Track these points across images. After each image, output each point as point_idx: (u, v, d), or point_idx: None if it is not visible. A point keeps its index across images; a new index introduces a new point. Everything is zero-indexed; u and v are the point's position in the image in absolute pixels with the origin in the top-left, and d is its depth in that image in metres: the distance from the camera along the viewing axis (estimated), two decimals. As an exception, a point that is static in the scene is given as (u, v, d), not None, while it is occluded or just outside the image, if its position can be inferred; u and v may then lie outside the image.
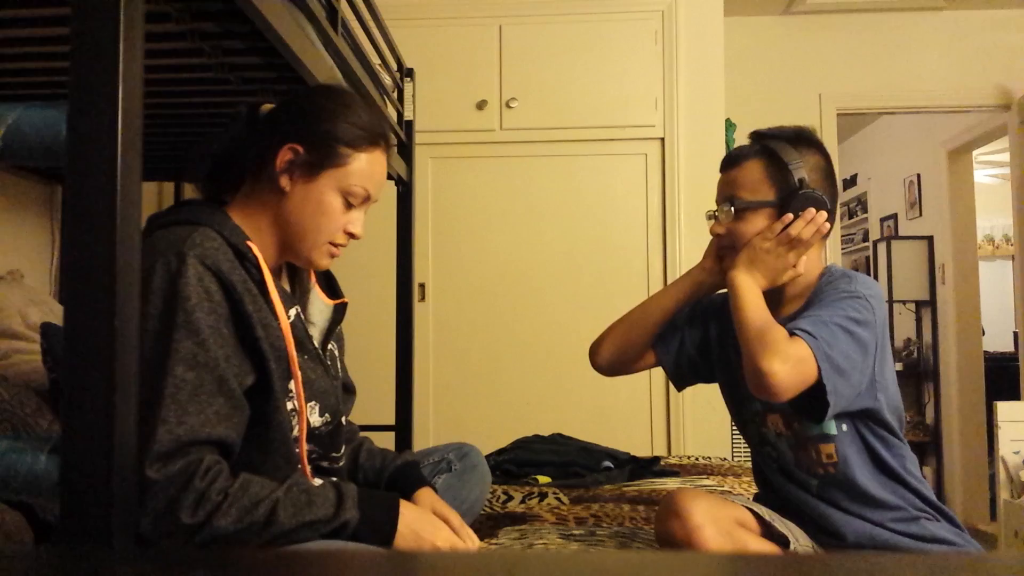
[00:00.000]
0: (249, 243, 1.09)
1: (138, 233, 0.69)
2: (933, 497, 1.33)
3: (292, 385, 1.11)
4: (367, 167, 1.15)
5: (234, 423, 1.02)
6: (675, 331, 1.51)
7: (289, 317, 1.13)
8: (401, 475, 1.35)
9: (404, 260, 2.41)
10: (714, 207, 1.40)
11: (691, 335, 1.51)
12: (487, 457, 2.22)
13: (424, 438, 2.89)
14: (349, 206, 1.16)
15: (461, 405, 3.05)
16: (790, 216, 1.30)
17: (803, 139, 1.35)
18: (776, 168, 1.32)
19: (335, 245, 1.17)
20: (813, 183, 1.31)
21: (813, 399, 1.19)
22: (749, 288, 1.29)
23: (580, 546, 1.49)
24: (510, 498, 1.91)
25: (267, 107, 1.19)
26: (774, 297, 1.34)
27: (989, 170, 6.12)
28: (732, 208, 1.34)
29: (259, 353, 1.06)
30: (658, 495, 1.92)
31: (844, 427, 1.29)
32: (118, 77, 0.66)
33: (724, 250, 1.40)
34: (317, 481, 1.10)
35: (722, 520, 1.24)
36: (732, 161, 1.38)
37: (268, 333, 1.07)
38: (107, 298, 0.65)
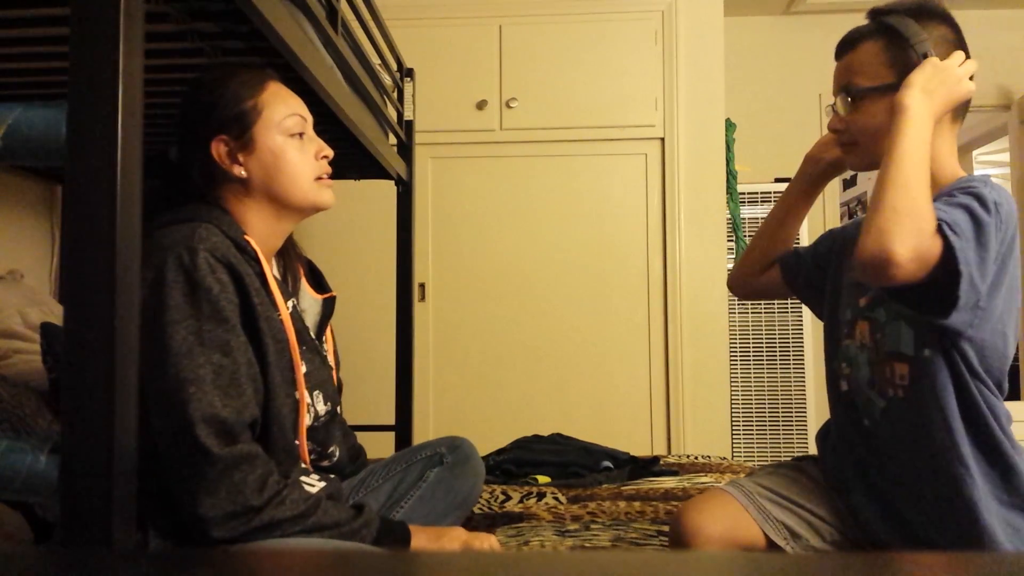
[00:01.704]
0: (247, 237, 1.12)
1: (138, 233, 0.69)
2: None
3: (296, 376, 1.12)
4: (276, 100, 1.17)
5: (259, 404, 1.06)
6: (801, 251, 1.45)
7: (288, 308, 1.15)
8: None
9: (404, 260, 2.41)
10: (834, 100, 1.26)
11: (814, 252, 1.43)
12: (486, 457, 2.23)
13: (424, 438, 2.88)
14: (299, 139, 1.18)
15: (461, 405, 3.05)
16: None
17: (926, 10, 1.20)
18: (896, 46, 1.18)
19: (321, 178, 1.20)
20: (941, 57, 1.16)
21: (931, 294, 1.06)
22: (920, 112, 1.11)
23: (575, 541, 1.49)
24: (508, 498, 1.91)
25: (173, 149, 1.21)
26: None
27: (989, 170, 6.12)
28: (848, 97, 1.22)
29: (260, 347, 1.08)
30: (655, 492, 1.92)
31: (926, 352, 1.14)
32: (118, 77, 0.66)
33: (845, 147, 1.28)
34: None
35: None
36: (847, 45, 1.25)
37: (271, 326, 1.09)
38: (107, 298, 0.65)
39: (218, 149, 1.13)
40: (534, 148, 3.10)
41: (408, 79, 2.46)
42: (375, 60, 1.98)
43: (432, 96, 2.99)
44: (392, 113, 2.26)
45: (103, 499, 0.64)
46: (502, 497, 1.92)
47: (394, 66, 2.28)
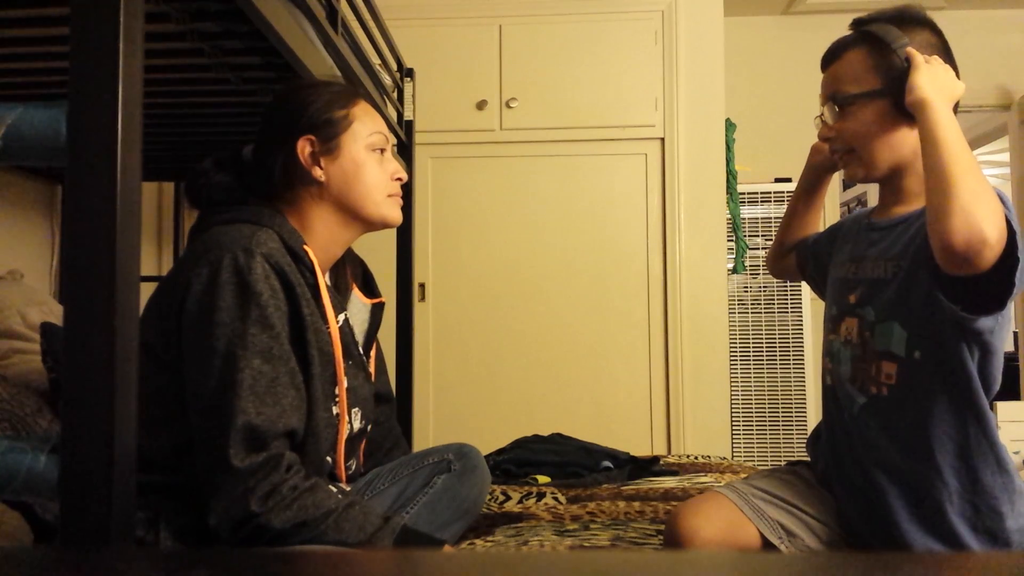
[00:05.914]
0: (306, 247, 1.13)
1: (138, 233, 0.69)
2: (1001, 504, 1.14)
3: (337, 391, 1.12)
4: (366, 116, 1.22)
5: (302, 414, 1.05)
6: (810, 241, 1.51)
7: (338, 322, 1.16)
8: None
9: (404, 260, 2.41)
10: (822, 113, 1.29)
11: (815, 246, 1.48)
12: (486, 457, 2.22)
13: (424, 438, 2.89)
14: (379, 155, 1.22)
15: (461, 405, 3.05)
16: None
17: (907, 17, 1.23)
18: (879, 52, 1.20)
19: (393, 195, 1.23)
20: None
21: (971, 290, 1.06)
22: (942, 103, 1.10)
23: (574, 541, 1.49)
24: (508, 498, 1.91)
25: (248, 148, 1.23)
26: (891, 190, 1.26)
27: (989, 170, 6.12)
28: (836, 106, 1.24)
29: (306, 358, 1.08)
30: (655, 492, 1.92)
31: (917, 354, 1.15)
32: (118, 77, 0.66)
33: (842, 158, 1.29)
34: (377, 508, 1.13)
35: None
36: (831, 55, 1.28)
37: (318, 338, 1.09)
38: (107, 298, 0.65)
39: (303, 148, 1.16)
40: (534, 148, 3.10)
41: (408, 79, 2.46)
42: (375, 60, 1.98)
43: (432, 96, 2.99)
44: (392, 113, 2.26)
45: (103, 499, 0.64)
46: (502, 497, 1.92)
47: (394, 66, 2.28)
